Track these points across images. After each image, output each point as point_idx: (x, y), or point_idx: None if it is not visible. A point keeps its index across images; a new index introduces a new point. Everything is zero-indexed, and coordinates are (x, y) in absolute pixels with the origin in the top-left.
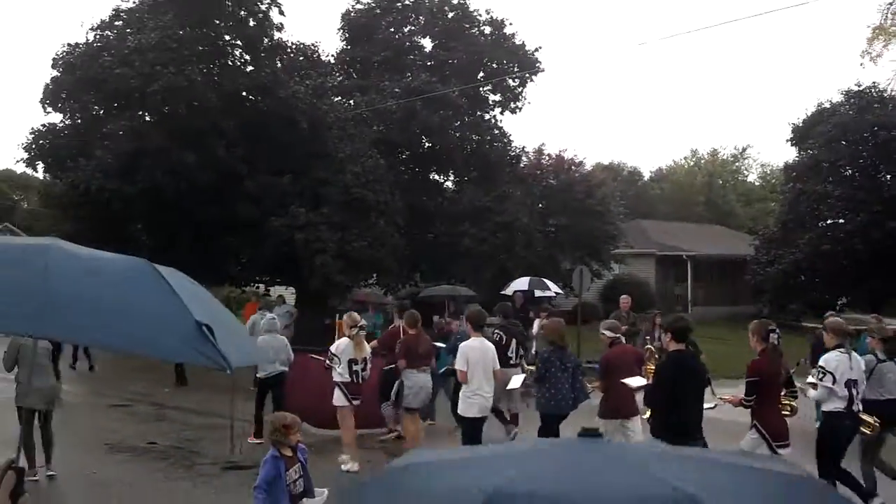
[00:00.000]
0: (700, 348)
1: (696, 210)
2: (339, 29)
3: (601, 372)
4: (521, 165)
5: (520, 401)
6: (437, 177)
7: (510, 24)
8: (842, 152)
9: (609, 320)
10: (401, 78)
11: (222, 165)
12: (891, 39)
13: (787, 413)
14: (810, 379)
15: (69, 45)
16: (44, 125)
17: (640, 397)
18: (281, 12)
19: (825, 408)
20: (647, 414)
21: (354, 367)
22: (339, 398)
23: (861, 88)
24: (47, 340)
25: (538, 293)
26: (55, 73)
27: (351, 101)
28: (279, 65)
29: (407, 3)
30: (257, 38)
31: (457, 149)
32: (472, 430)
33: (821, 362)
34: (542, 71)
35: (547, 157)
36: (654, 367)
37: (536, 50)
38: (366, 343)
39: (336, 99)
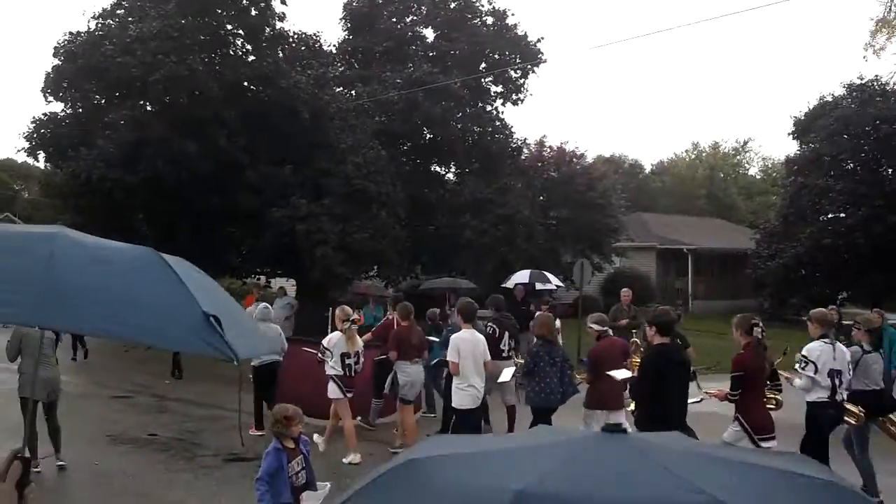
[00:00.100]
0: (688, 341)
1: (697, 203)
2: (340, 19)
3: (589, 365)
4: (523, 157)
5: (514, 393)
6: (438, 168)
7: (512, 14)
8: (843, 146)
9: (596, 314)
10: (402, 69)
11: (223, 155)
12: (894, 32)
13: (772, 406)
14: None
15: (70, 33)
16: (45, 114)
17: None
18: (283, 1)
19: (808, 398)
20: (632, 406)
21: (347, 361)
22: (334, 391)
23: (863, 82)
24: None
25: (539, 286)
26: (56, 61)
27: (353, 92)
28: (281, 55)
29: None
30: (259, 28)
31: (458, 140)
32: (465, 422)
33: (804, 352)
34: (544, 62)
35: (548, 150)
36: (639, 360)
37: (538, 41)
38: (358, 336)
39: (338, 89)
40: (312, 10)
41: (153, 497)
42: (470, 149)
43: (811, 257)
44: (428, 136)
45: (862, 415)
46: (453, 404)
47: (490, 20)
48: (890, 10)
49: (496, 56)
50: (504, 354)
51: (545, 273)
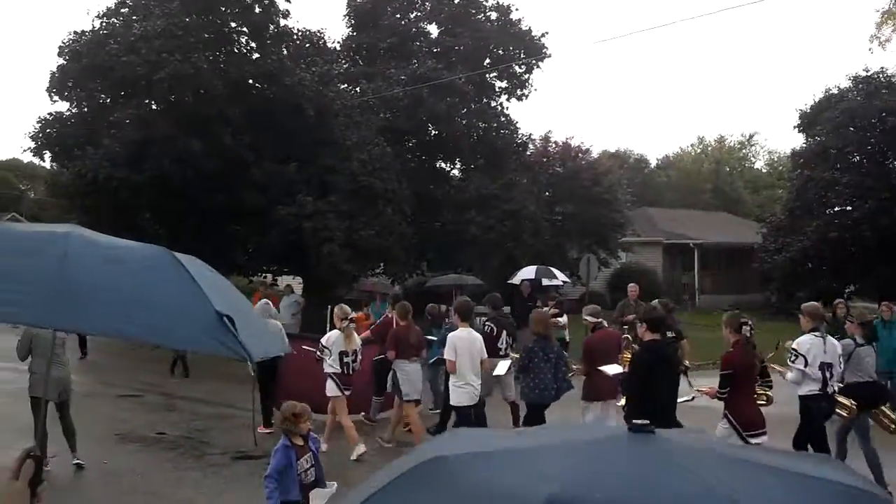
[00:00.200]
0: (683, 334)
1: (703, 198)
2: (344, 15)
3: (584, 356)
4: (528, 153)
5: (514, 389)
6: (443, 165)
7: (516, 9)
8: (849, 139)
9: (591, 305)
10: (407, 65)
11: (229, 153)
12: None
13: (762, 402)
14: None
15: (75, 32)
16: (50, 114)
17: None
18: None
19: (800, 391)
20: (623, 401)
21: (346, 359)
22: (332, 389)
23: (869, 74)
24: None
25: (546, 282)
26: (61, 61)
27: (357, 89)
28: (285, 52)
29: None
30: (263, 25)
31: (463, 136)
32: (463, 419)
33: (794, 345)
34: (549, 57)
35: (553, 145)
36: (629, 356)
37: (543, 36)
38: (356, 335)
39: (342, 86)
40: (316, 7)
41: (162, 495)
42: (475, 145)
43: (818, 251)
44: (433, 132)
45: (854, 407)
46: (451, 402)
47: (494, 15)
48: (895, 2)
49: (500, 51)
50: (501, 353)
51: (551, 269)
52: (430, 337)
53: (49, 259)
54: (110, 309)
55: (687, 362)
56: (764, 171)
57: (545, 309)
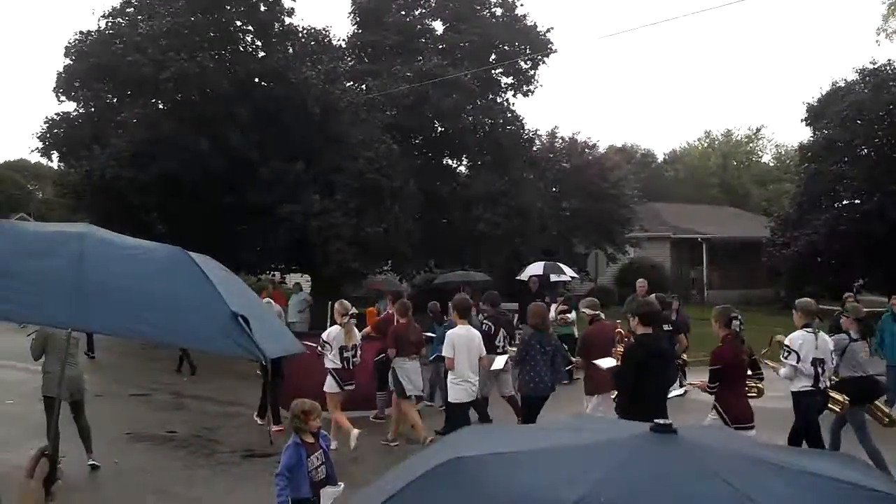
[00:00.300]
0: (689, 327)
1: (710, 192)
2: (349, 13)
3: (580, 348)
4: (535, 149)
5: (510, 384)
6: (450, 161)
7: (521, 4)
8: (857, 131)
9: (589, 298)
10: (412, 62)
11: (235, 152)
12: None
13: (753, 395)
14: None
15: (81, 33)
16: (58, 114)
17: None
18: None
19: (792, 387)
20: (615, 394)
21: (346, 354)
22: (331, 385)
23: (876, 66)
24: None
25: (554, 278)
26: (68, 61)
27: (363, 86)
28: (291, 50)
29: None
30: (268, 23)
31: (469, 133)
32: (458, 416)
33: (786, 341)
34: (555, 52)
35: (560, 141)
36: (622, 350)
37: (548, 31)
38: (356, 330)
39: (348, 84)
40: (321, 5)
41: (172, 493)
42: (481, 141)
43: (826, 244)
44: (439, 129)
45: (847, 402)
46: (448, 398)
47: (499, 11)
48: None
49: (506, 47)
50: (499, 350)
51: (559, 265)
52: (429, 334)
53: (65, 259)
54: (125, 309)
55: (685, 356)
56: (771, 164)
57: (554, 305)
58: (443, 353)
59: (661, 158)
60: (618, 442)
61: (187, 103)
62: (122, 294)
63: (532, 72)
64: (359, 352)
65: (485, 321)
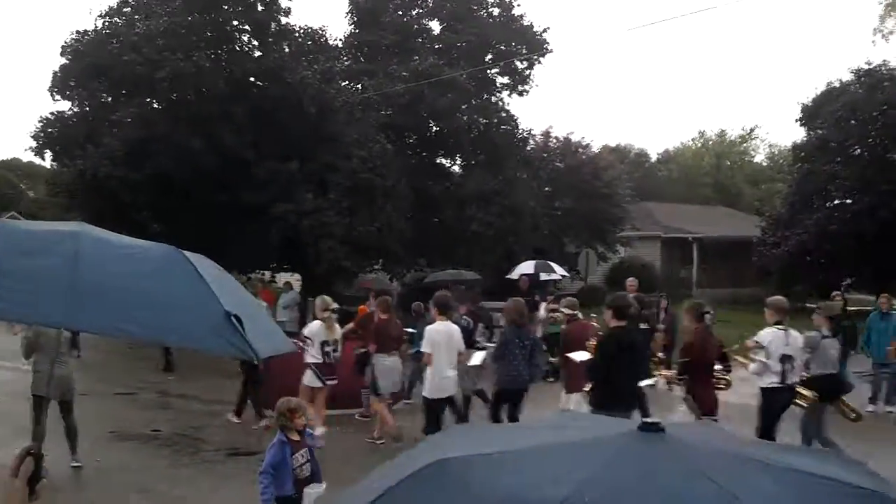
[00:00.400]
0: (673, 326)
1: (703, 192)
2: (346, 12)
3: (561, 346)
4: (529, 148)
5: (486, 379)
6: (443, 161)
7: (518, 5)
8: (851, 132)
9: (569, 298)
10: (408, 61)
11: (230, 151)
12: None
13: (721, 387)
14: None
15: (78, 32)
16: (52, 113)
17: None
18: None
19: (760, 383)
20: (589, 387)
21: (326, 349)
22: (311, 379)
23: (871, 67)
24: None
25: (544, 276)
26: (64, 60)
27: (359, 86)
28: (287, 49)
29: None
30: (265, 23)
31: (464, 132)
32: (433, 412)
33: (755, 338)
34: (550, 52)
35: (554, 140)
36: (595, 343)
37: (544, 31)
38: (337, 325)
39: (344, 83)
40: (318, 4)
41: (156, 492)
42: (476, 140)
43: (817, 244)
44: (433, 128)
45: (816, 398)
46: (424, 394)
47: (496, 11)
48: None
49: (502, 47)
50: (477, 346)
51: (550, 263)
52: (409, 329)
53: (60, 258)
54: (121, 308)
55: (660, 354)
56: (764, 164)
57: (544, 304)
58: (422, 349)
59: (654, 158)
60: (604, 440)
61: (183, 103)
62: (118, 294)
63: (528, 71)
64: (339, 346)
65: (464, 317)
